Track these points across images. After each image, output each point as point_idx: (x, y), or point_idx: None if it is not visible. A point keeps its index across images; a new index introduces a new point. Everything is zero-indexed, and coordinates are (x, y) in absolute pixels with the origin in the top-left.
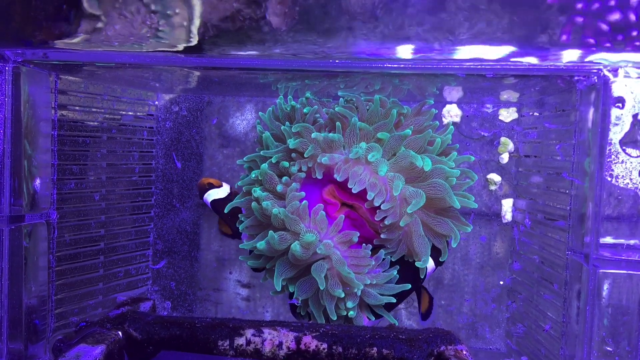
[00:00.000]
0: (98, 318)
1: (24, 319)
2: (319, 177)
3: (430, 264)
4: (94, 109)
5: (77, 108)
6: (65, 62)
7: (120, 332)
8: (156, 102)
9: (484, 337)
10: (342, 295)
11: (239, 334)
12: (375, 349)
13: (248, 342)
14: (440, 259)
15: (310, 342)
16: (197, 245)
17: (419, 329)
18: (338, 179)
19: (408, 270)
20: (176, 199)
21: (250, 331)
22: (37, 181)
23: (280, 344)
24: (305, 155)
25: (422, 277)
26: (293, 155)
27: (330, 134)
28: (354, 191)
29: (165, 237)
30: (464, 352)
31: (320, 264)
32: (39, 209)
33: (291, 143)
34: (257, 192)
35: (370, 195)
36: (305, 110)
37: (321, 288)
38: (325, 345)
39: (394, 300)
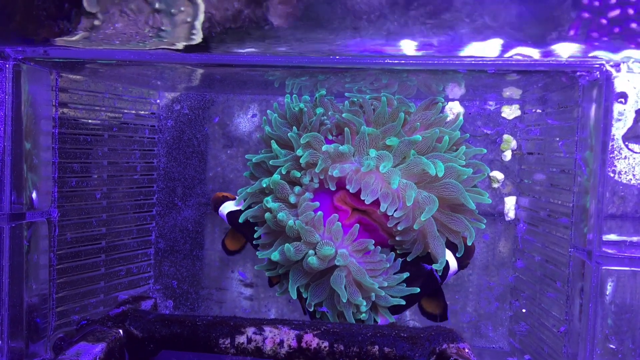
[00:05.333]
0: (99, 316)
1: (25, 317)
2: (332, 188)
3: (453, 265)
4: (95, 107)
5: (78, 106)
6: (66, 60)
7: (121, 330)
8: (158, 101)
9: (487, 336)
10: (364, 303)
11: (240, 332)
12: (376, 347)
13: (249, 340)
14: (457, 255)
15: (312, 340)
16: (199, 244)
17: (421, 327)
18: (351, 191)
19: (421, 270)
20: (178, 197)
21: (252, 329)
22: (38, 179)
23: (282, 342)
24: (316, 170)
25: (439, 275)
26: (302, 164)
27: (340, 147)
28: (366, 202)
29: (167, 235)
30: (466, 350)
31: (339, 275)
32: (40, 207)
33: (302, 157)
34: (270, 203)
35: (383, 207)
36: (317, 111)
37: (343, 300)
38: (326, 344)
39: (403, 303)
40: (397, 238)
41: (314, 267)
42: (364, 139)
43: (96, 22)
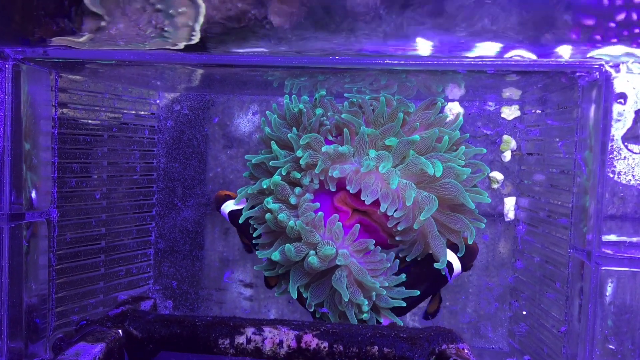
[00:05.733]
0: (98, 317)
1: (24, 317)
2: (333, 189)
3: (457, 267)
4: (95, 107)
5: (78, 106)
6: (66, 60)
7: (120, 331)
8: (158, 101)
9: (487, 337)
10: (366, 302)
11: (240, 332)
12: (376, 347)
13: (248, 341)
14: (458, 254)
15: (311, 340)
16: (199, 245)
17: (421, 327)
18: (351, 191)
19: (426, 270)
20: (177, 197)
21: (251, 330)
22: (38, 179)
23: (281, 342)
24: (316, 171)
25: (442, 274)
26: (302, 165)
27: (340, 148)
28: (366, 202)
29: (166, 236)
30: (466, 351)
31: (340, 275)
32: (39, 207)
33: (302, 158)
34: (270, 204)
35: (383, 207)
36: (317, 111)
37: (345, 300)
38: (326, 344)
39: (404, 304)
40: (397, 238)
41: (315, 267)
42: (364, 140)
43: (99, 23)
